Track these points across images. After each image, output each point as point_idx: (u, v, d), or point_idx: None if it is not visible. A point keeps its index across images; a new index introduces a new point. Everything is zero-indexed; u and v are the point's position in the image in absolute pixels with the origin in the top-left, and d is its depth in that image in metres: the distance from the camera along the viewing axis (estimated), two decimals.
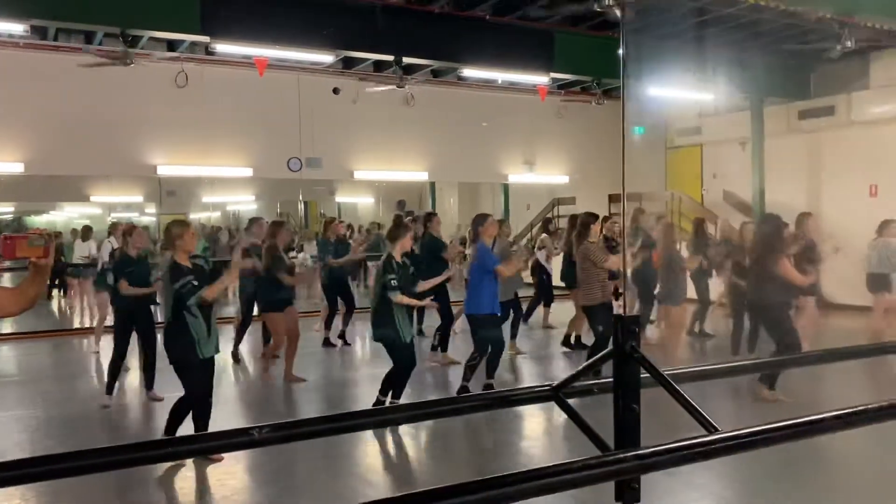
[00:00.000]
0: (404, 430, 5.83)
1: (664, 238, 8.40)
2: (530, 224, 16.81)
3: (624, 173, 1.73)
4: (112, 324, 7.19)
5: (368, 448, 5.66)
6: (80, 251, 11.67)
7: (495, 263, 6.80)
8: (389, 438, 5.85)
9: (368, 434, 5.74)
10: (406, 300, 6.10)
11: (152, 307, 7.24)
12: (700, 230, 9.81)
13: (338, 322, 9.94)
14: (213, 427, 5.03)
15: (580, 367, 1.83)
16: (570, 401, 1.80)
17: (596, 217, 7.51)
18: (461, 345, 8.98)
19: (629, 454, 1.36)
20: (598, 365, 1.78)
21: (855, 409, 1.50)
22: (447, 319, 8.77)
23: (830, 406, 1.51)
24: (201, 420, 5.17)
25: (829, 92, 13.18)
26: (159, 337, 5.83)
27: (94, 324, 9.96)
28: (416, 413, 1.75)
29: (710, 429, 1.44)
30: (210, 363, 5.24)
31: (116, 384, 7.10)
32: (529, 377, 8.31)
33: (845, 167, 12.89)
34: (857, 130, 12.78)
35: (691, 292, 9.09)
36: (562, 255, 9.74)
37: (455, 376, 7.53)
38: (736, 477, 4.74)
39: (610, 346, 1.71)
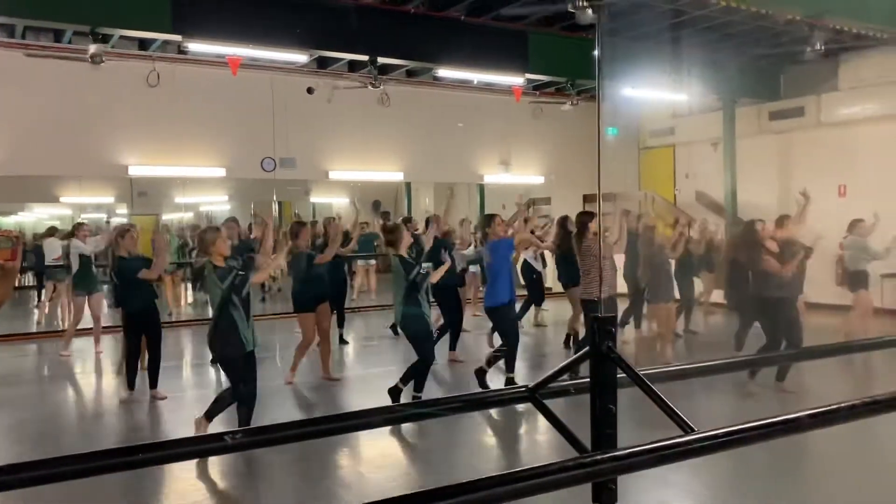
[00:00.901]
0: (380, 431, 5.80)
1: (644, 238, 8.48)
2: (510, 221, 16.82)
3: (599, 174, 1.73)
4: (90, 326, 7.26)
5: (343, 452, 5.62)
6: (52, 252, 11.42)
7: (510, 245, 7.20)
8: (367, 440, 5.82)
9: (344, 437, 5.70)
10: (439, 272, 6.81)
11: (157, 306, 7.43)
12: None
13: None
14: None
15: (556, 368, 1.82)
16: (548, 401, 1.79)
17: (592, 215, 7.59)
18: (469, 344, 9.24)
19: (606, 456, 1.36)
20: (574, 366, 1.77)
21: (829, 408, 1.51)
22: (454, 318, 8.82)
23: (824, 399, 1.52)
24: (246, 410, 5.43)
25: (799, 93, 13.38)
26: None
27: (66, 326, 9.81)
28: (392, 416, 1.73)
29: (686, 429, 1.44)
30: (252, 356, 5.55)
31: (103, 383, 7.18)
32: (524, 380, 8.28)
33: (815, 167, 13.07)
34: (826, 131, 12.97)
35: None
36: (555, 256, 9.79)
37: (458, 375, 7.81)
38: (712, 473, 4.78)
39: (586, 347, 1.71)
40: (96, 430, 6.51)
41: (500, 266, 7.02)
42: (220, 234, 5.67)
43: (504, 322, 7.08)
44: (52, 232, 11.86)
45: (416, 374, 6.44)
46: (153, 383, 7.17)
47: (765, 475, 4.72)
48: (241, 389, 5.42)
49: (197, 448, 1.36)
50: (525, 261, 10.54)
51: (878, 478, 4.80)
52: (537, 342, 10.39)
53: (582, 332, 9.29)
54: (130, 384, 7.17)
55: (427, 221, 8.86)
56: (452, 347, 8.74)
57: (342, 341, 10.06)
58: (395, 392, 6.46)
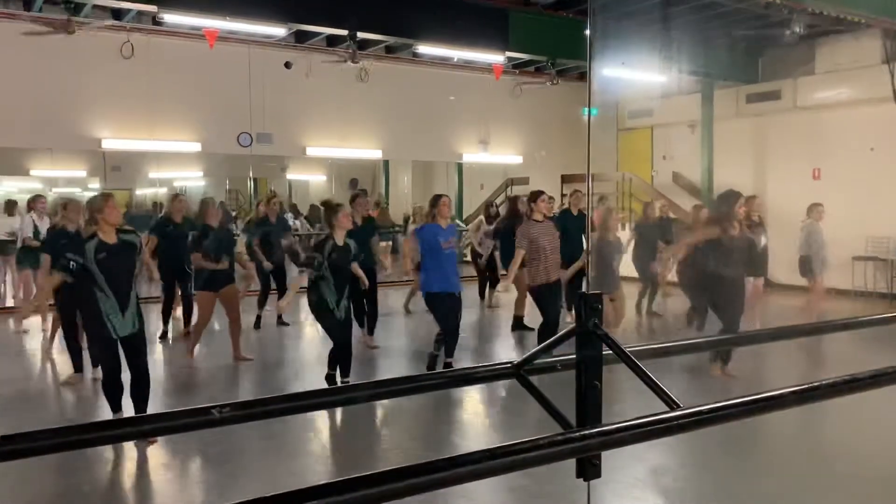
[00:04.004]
0: (360, 408, 5.81)
1: (601, 223, 8.15)
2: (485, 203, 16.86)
3: (589, 154, 1.72)
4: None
5: (323, 427, 5.63)
6: (3, 227, 11.01)
7: (434, 231, 6.87)
8: (347, 417, 5.83)
9: (323, 413, 5.71)
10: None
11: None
12: (647, 212, 10.06)
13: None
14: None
15: (541, 345, 1.82)
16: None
17: (540, 193, 7.35)
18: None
19: (594, 431, 1.37)
20: (560, 343, 1.78)
21: (811, 385, 1.53)
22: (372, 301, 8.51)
23: (774, 382, 1.54)
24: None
25: (776, 77, 13.49)
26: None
27: (19, 303, 9.61)
28: (377, 391, 1.73)
29: (673, 405, 1.45)
30: (131, 342, 5.12)
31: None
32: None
33: (790, 151, 13.23)
34: (801, 115, 13.10)
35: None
36: (499, 235, 9.47)
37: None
38: (682, 450, 4.86)
39: (570, 324, 1.71)
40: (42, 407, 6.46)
41: (424, 252, 6.89)
42: (110, 201, 5.09)
43: (437, 310, 6.89)
44: (12, 206, 11.43)
45: (334, 357, 6.38)
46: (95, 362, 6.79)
47: (735, 452, 4.82)
48: (113, 377, 5.08)
49: (183, 422, 1.35)
50: (470, 244, 10.51)
51: (848, 451, 4.91)
52: (484, 325, 10.24)
53: (529, 319, 9.01)
54: (76, 368, 6.90)
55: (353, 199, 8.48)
56: (370, 332, 8.43)
57: (280, 322, 9.68)
58: (329, 380, 6.38)
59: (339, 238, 6.35)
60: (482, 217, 11.05)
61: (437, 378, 1.89)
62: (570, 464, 1.54)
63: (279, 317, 9.64)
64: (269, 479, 4.51)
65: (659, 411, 1.48)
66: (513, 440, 1.25)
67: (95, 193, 5.52)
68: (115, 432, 1.29)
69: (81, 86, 11.16)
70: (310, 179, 19.06)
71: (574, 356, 1.73)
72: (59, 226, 7.08)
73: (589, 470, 1.64)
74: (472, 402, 6.35)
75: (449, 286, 6.79)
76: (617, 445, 1.43)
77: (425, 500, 1.37)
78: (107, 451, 4.94)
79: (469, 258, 11.13)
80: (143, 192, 16.47)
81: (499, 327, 10.02)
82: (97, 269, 4.92)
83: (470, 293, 10.98)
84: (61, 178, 15.58)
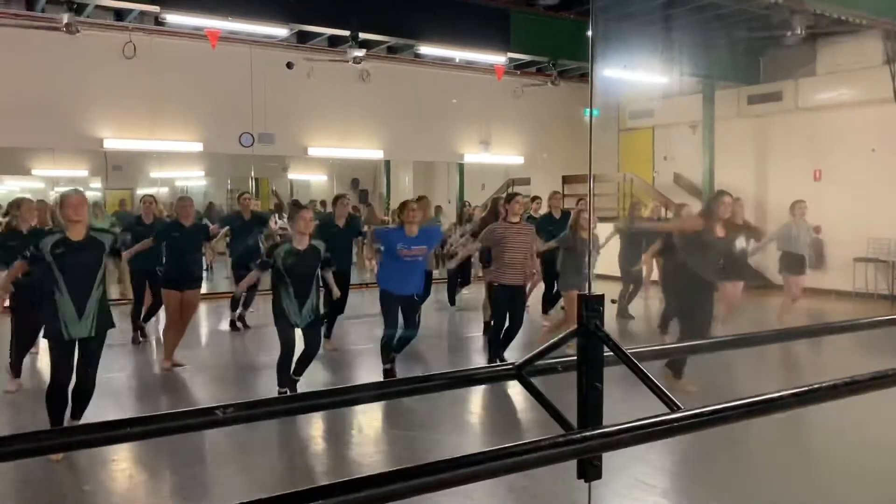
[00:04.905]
0: (361, 409, 5.82)
1: (574, 224, 7.73)
2: (484, 205, 16.85)
3: (591, 154, 1.73)
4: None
5: (324, 428, 5.64)
6: None
7: (394, 235, 6.72)
8: (347, 418, 5.84)
9: (323, 414, 5.71)
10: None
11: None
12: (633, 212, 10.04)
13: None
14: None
15: (543, 346, 1.83)
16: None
17: (515, 195, 7.26)
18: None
19: (595, 432, 1.37)
20: (561, 344, 1.78)
21: (811, 387, 1.54)
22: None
23: (735, 393, 1.54)
24: (76, 406, 5.00)
25: (777, 77, 13.48)
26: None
27: None
28: (380, 392, 1.73)
29: (673, 407, 1.45)
30: (87, 345, 4.89)
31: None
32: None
33: (791, 151, 13.23)
34: (803, 116, 13.10)
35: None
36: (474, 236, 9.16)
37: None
38: (682, 451, 4.87)
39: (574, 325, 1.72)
40: None
41: (385, 252, 6.80)
42: (68, 199, 4.89)
43: (382, 307, 6.67)
44: None
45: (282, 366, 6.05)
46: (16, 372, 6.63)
47: (729, 454, 4.82)
48: (60, 387, 4.80)
49: (186, 422, 1.36)
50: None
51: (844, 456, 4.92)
52: (449, 328, 10.08)
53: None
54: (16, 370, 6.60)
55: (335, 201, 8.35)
56: (327, 335, 8.11)
57: (245, 325, 9.46)
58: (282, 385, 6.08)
59: (300, 242, 5.95)
60: (454, 222, 11.02)
61: (439, 379, 1.89)
62: (571, 465, 1.55)
63: (234, 321, 9.35)
64: (271, 480, 4.52)
65: (659, 413, 1.49)
66: (514, 441, 1.26)
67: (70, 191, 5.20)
68: (117, 433, 1.30)
69: (83, 85, 11.17)
70: (311, 179, 19.06)
71: (575, 357, 1.73)
72: (10, 226, 6.77)
73: (590, 471, 1.64)
74: (474, 403, 6.36)
75: (401, 289, 6.59)
76: (618, 447, 1.43)
77: (427, 501, 1.38)
78: (106, 451, 4.94)
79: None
80: (145, 192, 16.47)
81: (466, 331, 9.85)
82: (55, 266, 4.72)
83: (441, 296, 10.95)
84: (63, 177, 15.59)
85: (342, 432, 5.65)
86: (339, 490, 1.06)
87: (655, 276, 8.93)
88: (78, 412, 4.97)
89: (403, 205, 6.81)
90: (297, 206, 6.31)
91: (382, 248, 7.03)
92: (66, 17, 8.99)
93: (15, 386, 6.50)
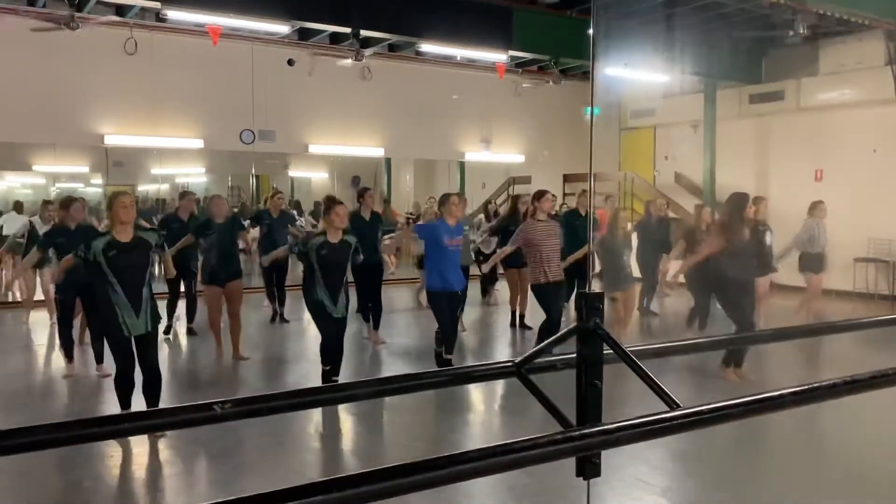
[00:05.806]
0: (361, 405, 5.82)
1: (612, 221, 8.20)
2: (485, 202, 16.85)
3: (592, 153, 1.73)
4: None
5: (324, 424, 5.64)
6: (12, 227, 10.98)
7: (433, 229, 6.86)
8: (346, 414, 5.84)
9: (324, 410, 5.72)
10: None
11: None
12: (650, 209, 10.06)
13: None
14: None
15: (542, 344, 1.83)
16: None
17: (544, 192, 7.32)
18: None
19: (595, 430, 1.37)
20: (560, 341, 1.78)
21: (811, 386, 1.53)
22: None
23: (782, 383, 1.54)
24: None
25: (779, 77, 13.46)
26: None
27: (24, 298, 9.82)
28: (379, 389, 1.73)
29: (673, 405, 1.45)
30: (145, 339, 5.18)
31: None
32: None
33: (792, 151, 13.21)
34: (805, 116, 13.09)
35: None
36: (499, 233, 9.39)
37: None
38: (682, 450, 4.86)
39: (571, 323, 1.71)
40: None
41: (427, 249, 6.90)
42: (119, 199, 5.08)
43: (435, 307, 6.83)
44: (20, 206, 11.67)
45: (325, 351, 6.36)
46: (99, 359, 6.92)
47: (732, 454, 4.82)
48: (126, 376, 5.10)
49: (185, 417, 1.35)
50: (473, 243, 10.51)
51: (844, 454, 4.91)
52: (485, 323, 10.20)
53: (530, 317, 9.10)
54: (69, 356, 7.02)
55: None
56: (375, 327, 8.48)
57: (282, 319, 9.74)
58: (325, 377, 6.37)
59: (334, 236, 6.17)
60: (482, 216, 11.03)
61: (438, 376, 1.89)
62: (570, 462, 1.55)
63: (276, 314, 9.72)
64: (271, 476, 4.52)
65: (659, 411, 1.48)
66: (513, 438, 1.25)
67: (115, 191, 5.57)
68: (116, 427, 1.30)
69: (84, 82, 11.18)
70: (312, 177, 19.07)
71: (575, 355, 1.73)
72: (59, 223, 7.01)
73: (589, 469, 1.64)
74: (474, 401, 6.36)
75: (448, 285, 6.72)
76: (617, 444, 1.43)
77: (426, 498, 1.38)
78: (107, 446, 4.95)
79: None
80: (146, 189, 16.48)
81: (497, 326, 10.00)
82: (108, 268, 4.92)
83: (473, 292, 10.98)
84: (64, 173, 15.59)
85: (340, 430, 5.65)
86: (336, 486, 1.06)
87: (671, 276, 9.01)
88: (154, 400, 5.18)
89: (445, 197, 6.94)
90: (331, 200, 6.42)
91: (423, 243, 7.13)
92: (67, 13, 8.99)
93: (70, 370, 6.97)
